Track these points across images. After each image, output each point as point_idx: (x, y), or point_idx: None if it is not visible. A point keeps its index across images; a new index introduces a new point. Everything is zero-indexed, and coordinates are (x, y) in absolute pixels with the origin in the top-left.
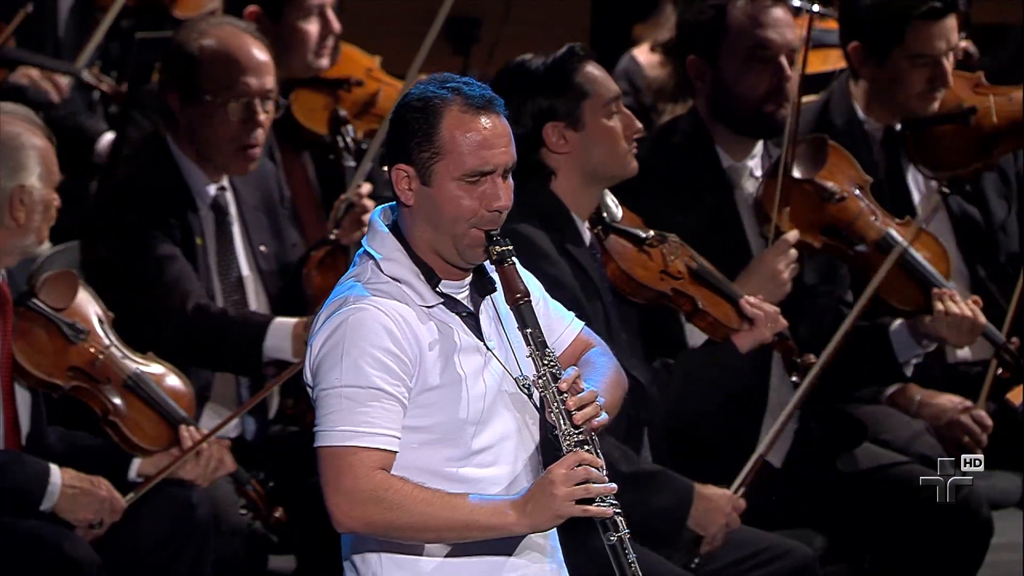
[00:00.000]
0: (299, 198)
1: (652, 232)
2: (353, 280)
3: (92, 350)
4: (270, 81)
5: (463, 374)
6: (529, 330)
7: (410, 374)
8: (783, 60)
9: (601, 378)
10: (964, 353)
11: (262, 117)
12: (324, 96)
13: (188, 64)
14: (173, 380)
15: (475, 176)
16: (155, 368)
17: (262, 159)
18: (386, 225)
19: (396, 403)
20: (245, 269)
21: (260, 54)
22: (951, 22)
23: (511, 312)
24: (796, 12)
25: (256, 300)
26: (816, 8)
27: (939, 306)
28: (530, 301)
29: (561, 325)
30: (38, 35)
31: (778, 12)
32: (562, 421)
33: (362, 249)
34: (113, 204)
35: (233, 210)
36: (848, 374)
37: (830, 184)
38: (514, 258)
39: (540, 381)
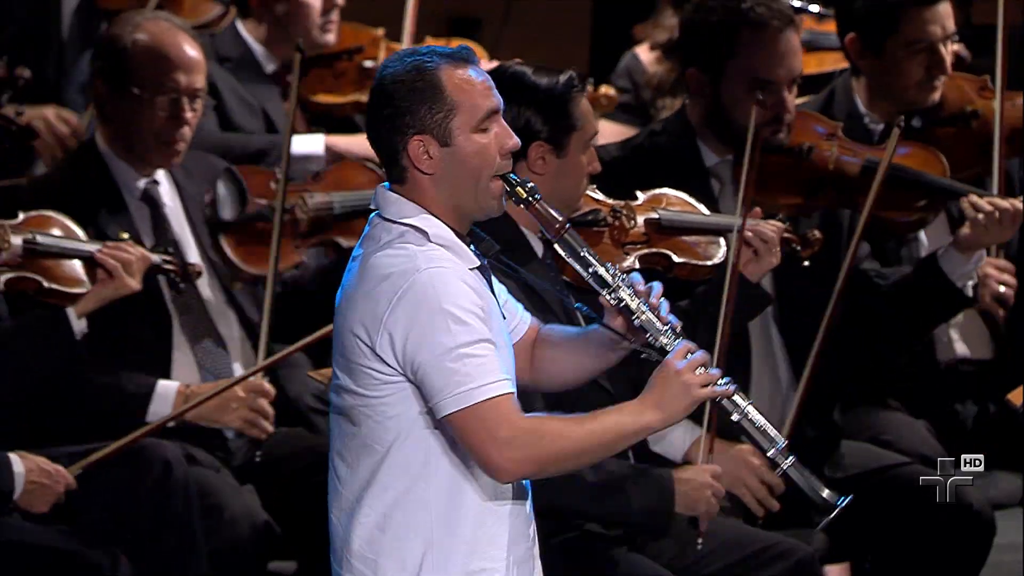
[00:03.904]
0: None
1: (604, 208)
2: (404, 246)
3: None
4: (199, 80)
5: (503, 333)
6: (585, 251)
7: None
8: (785, 92)
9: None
10: (963, 350)
11: (188, 115)
12: (328, 70)
13: (119, 56)
14: (54, 219)
15: (487, 118)
16: (35, 221)
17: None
18: None
19: (496, 349)
20: (194, 259)
21: (192, 52)
22: (945, 7)
23: (558, 242)
24: (795, 12)
25: (210, 292)
26: (815, 8)
27: (968, 211)
28: (571, 227)
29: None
30: (42, 36)
31: (786, 41)
32: (654, 320)
33: (375, 222)
34: (29, 204)
35: (170, 202)
36: (912, 316)
37: (796, 144)
38: (538, 194)
39: (615, 294)
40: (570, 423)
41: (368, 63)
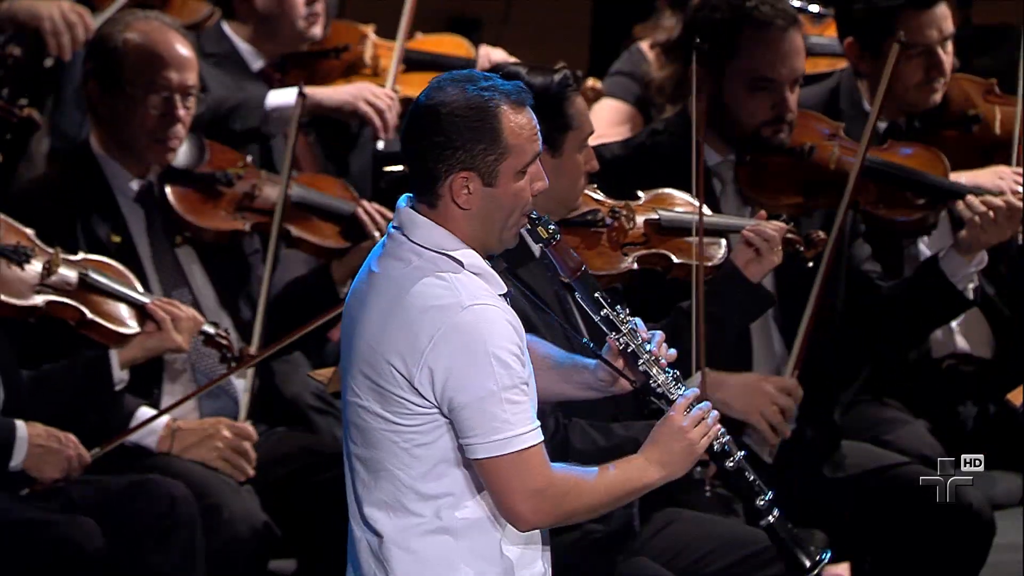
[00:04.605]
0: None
1: (604, 209)
2: (441, 276)
3: (43, 265)
4: (191, 77)
5: (528, 363)
6: (598, 293)
7: None
8: (787, 91)
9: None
10: (963, 344)
11: (181, 112)
12: (315, 68)
13: (111, 56)
14: (113, 265)
15: (531, 163)
16: (94, 263)
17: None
18: None
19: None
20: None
21: (183, 49)
22: (942, 10)
23: (573, 283)
24: (796, 12)
25: (201, 296)
26: (815, 8)
27: (964, 213)
28: (588, 270)
29: None
30: (40, 35)
31: (789, 41)
32: (656, 369)
33: (398, 240)
34: (16, 209)
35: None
36: (913, 318)
37: (797, 144)
38: (559, 235)
39: (623, 339)
40: (587, 480)
41: (367, 58)
